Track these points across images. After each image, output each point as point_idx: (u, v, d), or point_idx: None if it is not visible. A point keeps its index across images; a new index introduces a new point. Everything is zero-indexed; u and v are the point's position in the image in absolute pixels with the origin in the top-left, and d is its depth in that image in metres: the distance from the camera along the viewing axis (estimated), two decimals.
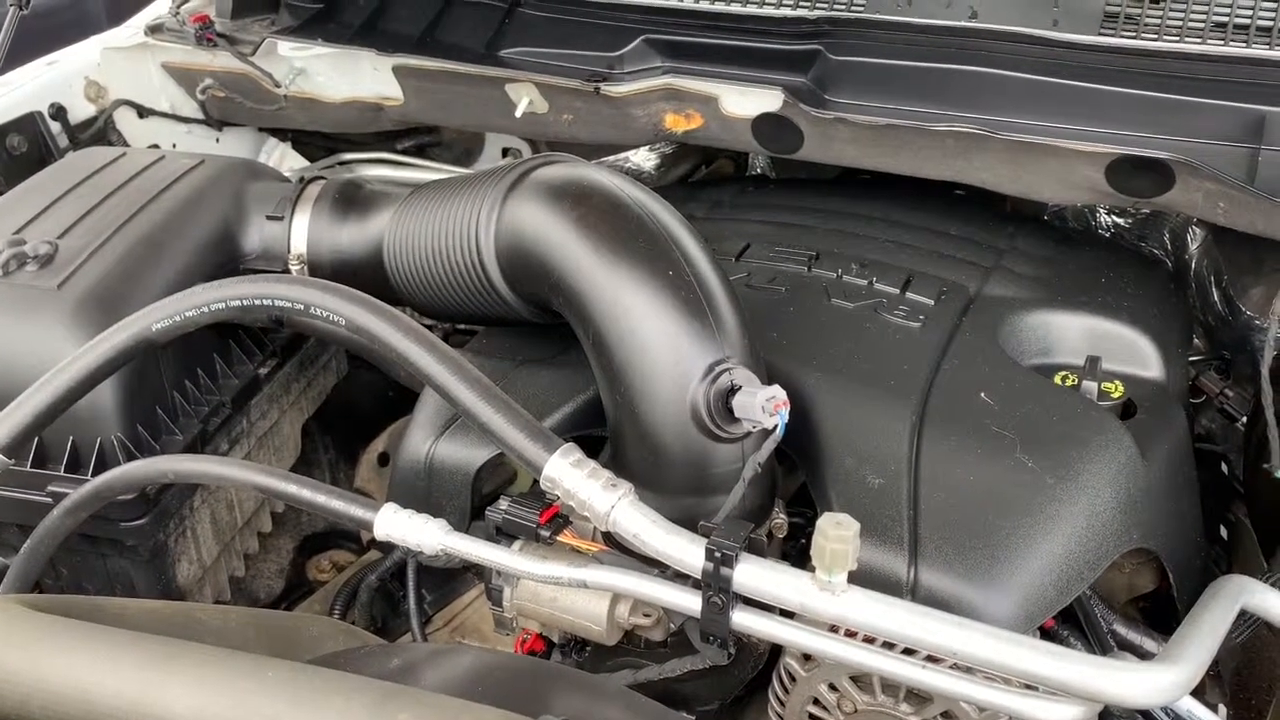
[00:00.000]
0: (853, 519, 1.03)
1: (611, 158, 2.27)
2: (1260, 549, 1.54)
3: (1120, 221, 2.01)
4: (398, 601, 1.78)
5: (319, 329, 1.52)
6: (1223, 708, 1.45)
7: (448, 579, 1.78)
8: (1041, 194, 1.60)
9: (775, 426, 1.16)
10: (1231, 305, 1.81)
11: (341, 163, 2.30)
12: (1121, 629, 1.35)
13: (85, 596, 1.38)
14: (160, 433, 1.47)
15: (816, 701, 1.23)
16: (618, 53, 1.78)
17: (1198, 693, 1.45)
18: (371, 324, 1.22)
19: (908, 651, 1.11)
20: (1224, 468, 1.76)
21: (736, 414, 1.18)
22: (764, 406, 1.15)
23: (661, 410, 1.21)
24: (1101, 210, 2.00)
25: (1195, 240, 1.89)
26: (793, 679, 1.23)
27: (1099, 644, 1.32)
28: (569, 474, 1.13)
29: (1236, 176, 1.42)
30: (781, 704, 1.25)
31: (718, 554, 1.07)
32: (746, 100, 1.72)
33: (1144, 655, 1.35)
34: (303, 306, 1.26)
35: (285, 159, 2.37)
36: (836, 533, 1.02)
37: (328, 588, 1.93)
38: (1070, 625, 1.36)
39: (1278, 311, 1.44)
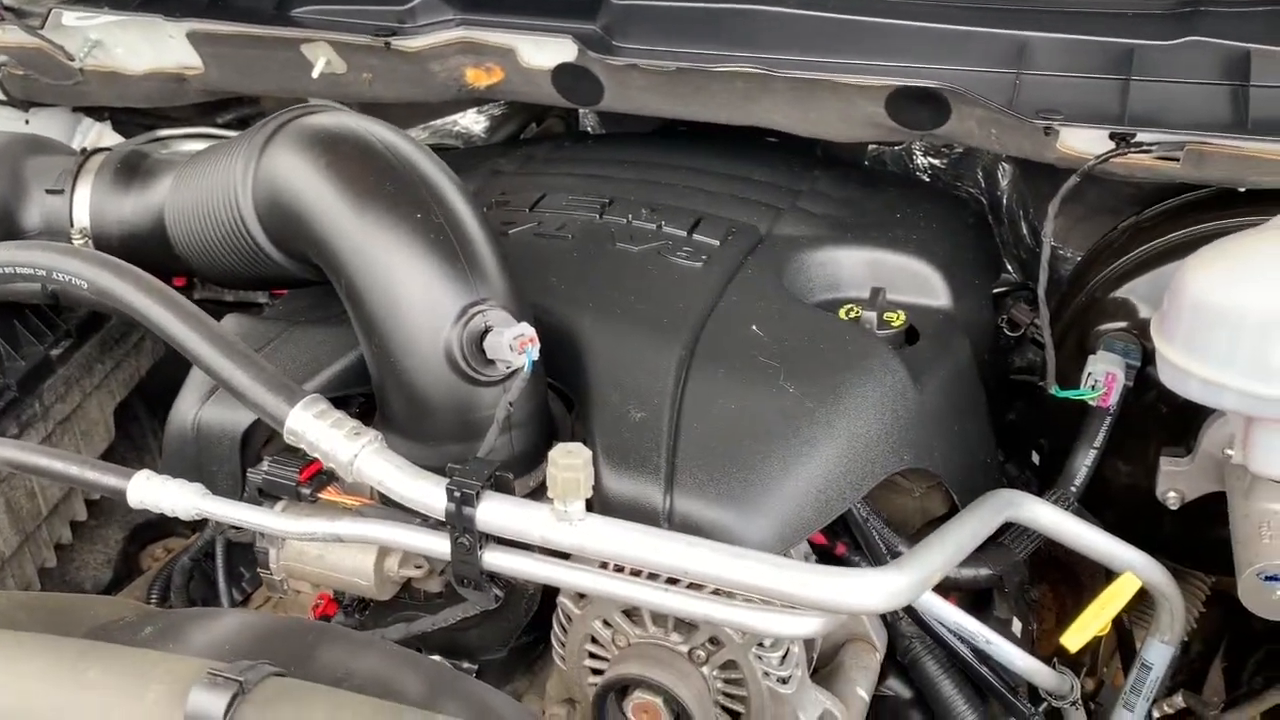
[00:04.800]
0: (583, 447, 1.02)
1: (439, 120, 2.24)
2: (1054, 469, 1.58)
3: (936, 162, 2.04)
4: (215, 581, 1.74)
5: (89, 300, 1.47)
6: (1017, 621, 1.49)
7: None
8: (828, 132, 1.60)
9: (523, 365, 1.15)
10: (1037, 237, 1.85)
11: (158, 139, 2.22)
12: (906, 550, 1.37)
13: None
14: None
15: (594, 639, 1.23)
16: (407, 6, 1.74)
17: (985, 609, 1.49)
18: (112, 285, 1.19)
19: (672, 583, 1.11)
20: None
21: (488, 355, 1.17)
22: (511, 345, 1.14)
23: (417, 356, 1.19)
24: (919, 152, 2.02)
25: (1005, 176, 1.93)
26: (569, 619, 1.23)
27: (878, 564, 1.33)
28: (312, 425, 1.11)
29: (1001, 102, 1.45)
30: (563, 644, 1.25)
31: (458, 493, 1.06)
32: (543, 51, 1.69)
33: None
34: (44, 272, 1.22)
35: (104, 139, 2.28)
36: (566, 461, 1.01)
37: (149, 573, 1.88)
38: (860, 552, 1.37)
39: (1049, 235, 1.47)
